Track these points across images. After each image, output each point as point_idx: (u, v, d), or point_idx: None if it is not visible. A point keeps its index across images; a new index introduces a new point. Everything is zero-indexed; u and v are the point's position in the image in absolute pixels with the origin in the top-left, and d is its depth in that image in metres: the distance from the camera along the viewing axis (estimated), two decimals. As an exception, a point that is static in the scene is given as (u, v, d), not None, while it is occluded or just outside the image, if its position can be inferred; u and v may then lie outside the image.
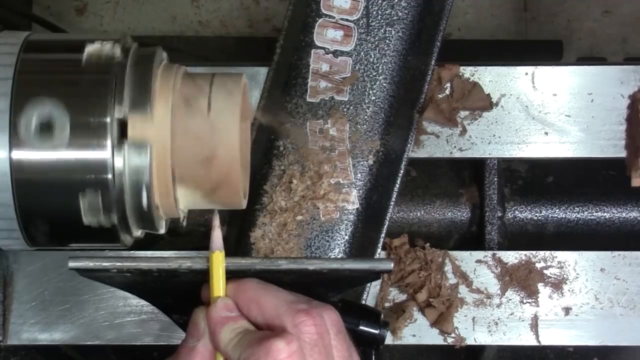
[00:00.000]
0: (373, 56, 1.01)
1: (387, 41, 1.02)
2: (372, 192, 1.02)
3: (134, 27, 1.96)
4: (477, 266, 1.12)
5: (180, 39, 1.93)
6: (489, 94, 1.13)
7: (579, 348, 1.17)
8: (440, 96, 1.12)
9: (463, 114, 1.13)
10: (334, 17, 1.01)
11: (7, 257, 1.11)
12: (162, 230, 0.81)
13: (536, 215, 1.18)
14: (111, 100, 0.74)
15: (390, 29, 1.02)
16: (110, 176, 0.74)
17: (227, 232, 1.07)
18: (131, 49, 0.78)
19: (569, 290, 1.12)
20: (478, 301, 1.11)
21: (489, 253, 1.12)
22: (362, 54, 1.01)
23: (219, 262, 0.76)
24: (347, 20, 1.01)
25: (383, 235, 1.05)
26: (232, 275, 0.76)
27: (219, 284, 0.76)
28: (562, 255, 1.13)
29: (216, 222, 0.78)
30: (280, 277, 0.77)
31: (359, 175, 1.01)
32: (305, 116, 1.01)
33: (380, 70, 1.02)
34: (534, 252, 1.12)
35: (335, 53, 1.01)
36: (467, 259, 1.12)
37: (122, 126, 0.74)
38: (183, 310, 0.81)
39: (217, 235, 0.77)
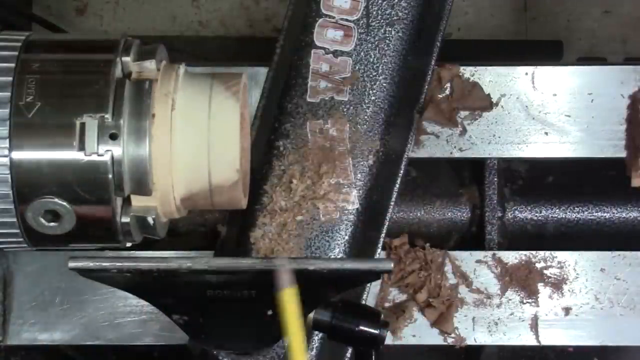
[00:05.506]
0: (373, 56, 1.01)
1: (387, 41, 1.02)
2: (372, 192, 1.02)
3: (134, 27, 1.96)
4: (477, 266, 1.12)
5: (180, 39, 1.92)
6: (489, 94, 1.13)
7: (579, 348, 1.17)
8: (440, 96, 1.12)
9: (463, 114, 1.13)
10: (334, 17, 1.01)
11: (7, 257, 1.11)
12: (162, 235, 0.82)
13: (536, 215, 1.18)
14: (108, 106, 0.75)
15: (390, 29, 1.02)
16: (110, 176, 0.74)
17: (227, 232, 1.07)
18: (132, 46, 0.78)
19: (569, 290, 1.12)
20: (478, 301, 1.11)
21: (489, 253, 1.12)
22: (362, 54, 1.01)
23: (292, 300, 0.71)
24: (347, 20, 1.01)
25: (383, 235, 1.05)
26: (232, 275, 0.76)
27: (295, 323, 0.71)
28: (562, 255, 1.12)
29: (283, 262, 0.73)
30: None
31: (359, 175, 1.00)
32: (305, 116, 1.01)
33: (380, 70, 1.02)
34: (534, 252, 1.12)
35: (335, 53, 1.01)
36: (467, 259, 1.12)
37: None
38: (183, 310, 0.81)
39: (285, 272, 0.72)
